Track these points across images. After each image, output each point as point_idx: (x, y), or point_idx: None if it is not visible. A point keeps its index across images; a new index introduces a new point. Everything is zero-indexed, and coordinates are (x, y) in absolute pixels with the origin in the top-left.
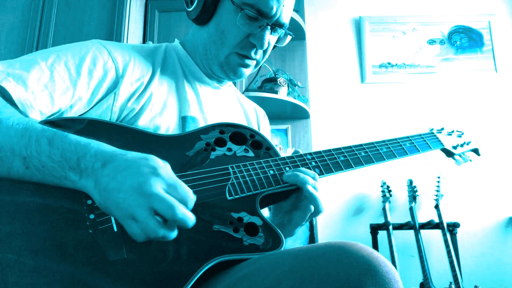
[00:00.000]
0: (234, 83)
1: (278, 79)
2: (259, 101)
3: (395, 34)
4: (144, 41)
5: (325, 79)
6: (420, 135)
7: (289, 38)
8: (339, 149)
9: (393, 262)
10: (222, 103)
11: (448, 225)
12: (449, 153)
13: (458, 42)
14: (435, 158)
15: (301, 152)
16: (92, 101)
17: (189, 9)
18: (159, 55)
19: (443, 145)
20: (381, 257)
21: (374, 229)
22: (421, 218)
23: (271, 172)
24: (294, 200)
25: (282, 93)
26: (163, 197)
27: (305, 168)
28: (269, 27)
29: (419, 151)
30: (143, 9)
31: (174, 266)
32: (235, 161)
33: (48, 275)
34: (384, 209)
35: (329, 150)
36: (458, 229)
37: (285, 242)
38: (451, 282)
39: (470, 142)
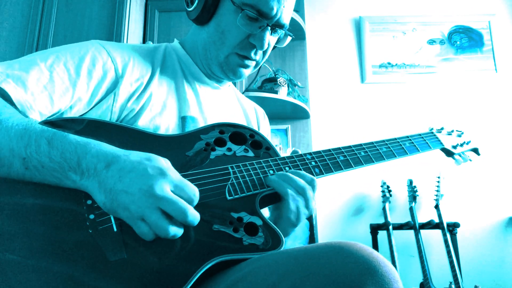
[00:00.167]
0: (234, 83)
1: (278, 79)
2: (259, 101)
3: (395, 34)
4: (144, 41)
5: (325, 79)
6: (419, 134)
7: (289, 39)
8: (339, 149)
9: (393, 262)
10: (222, 103)
11: (448, 225)
12: (448, 153)
13: (458, 42)
14: (435, 158)
15: (300, 152)
16: (91, 102)
17: (189, 9)
18: (158, 55)
19: (443, 145)
20: (381, 257)
21: (374, 229)
22: (421, 218)
23: (271, 172)
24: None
25: (282, 93)
26: (174, 200)
27: (305, 168)
28: (269, 27)
29: (418, 151)
30: (143, 9)
31: (174, 266)
32: (235, 161)
33: (48, 275)
34: (384, 209)
35: (329, 150)
36: (458, 229)
37: (285, 242)
38: (451, 282)
39: (470, 141)
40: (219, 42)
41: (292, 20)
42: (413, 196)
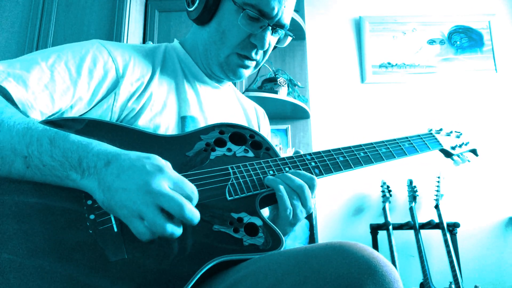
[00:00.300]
0: (234, 84)
1: (278, 79)
2: (259, 101)
3: (395, 34)
4: (144, 41)
5: (325, 79)
6: (419, 135)
7: (289, 39)
8: (339, 149)
9: (393, 262)
10: (222, 103)
11: (448, 225)
12: (447, 154)
13: (458, 42)
14: (435, 158)
15: (302, 152)
16: (92, 101)
17: (190, 9)
18: (158, 55)
19: (442, 146)
20: (381, 257)
21: (374, 229)
22: (421, 218)
23: (271, 172)
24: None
25: (282, 93)
26: (171, 196)
27: (305, 168)
28: (270, 27)
29: (417, 152)
30: (143, 9)
31: (174, 267)
32: (235, 161)
33: (48, 276)
34: (384, 209)
35: (329, 151)
36: (458, 229)
37: (285, 242)
38: (451, 282)
39: (468, 142)
40: (219, 42)
41: (292, 20)
42: (413, 196)
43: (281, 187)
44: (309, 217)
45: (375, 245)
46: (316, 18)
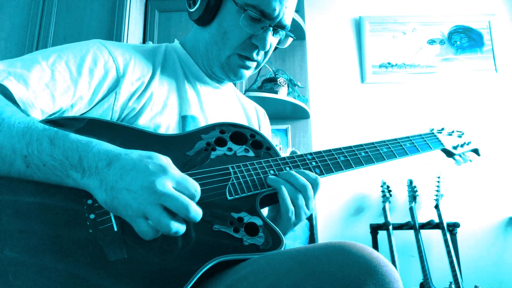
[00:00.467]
0: (234, 84)
1: (278, 79)
2: (259, 101)
3: (395, 34)
4: (144, 41)
5: (325, 79)
6: (420, 135)
7: (290, 40)
8: (340, 149)
9: (393, 262)
10: (223, 103)
11: (448, 225)
12: (449, 154)
13: (458, 42)
14: (435, 158)
15: (298, 152)
16: (93, 101)
17: (191, 9)
18: (159, 55)
19: (443, 146)
20: (381, 257)
21: (374, 229)
22: (421, 218)
23: (271, 172)
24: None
25: (282, 93)
26: (176, 196)
27: (306, 168)
28: (271, 28)
29: (419, 151)
30: (143, 9)
31: (174, 266)
32: (236, 161)
33: (48, 275)
34: (384, 209)
35: (330, 150)
36: (458, 229)
37: (285, 242)
38: (451, 282)
39: (470, 142)
40: (221, 42)
41: (292, 20)
42: (413, 196)
43: (283, 188)
44: (309, 217)
45: (375, 245)
46: (316, 18)
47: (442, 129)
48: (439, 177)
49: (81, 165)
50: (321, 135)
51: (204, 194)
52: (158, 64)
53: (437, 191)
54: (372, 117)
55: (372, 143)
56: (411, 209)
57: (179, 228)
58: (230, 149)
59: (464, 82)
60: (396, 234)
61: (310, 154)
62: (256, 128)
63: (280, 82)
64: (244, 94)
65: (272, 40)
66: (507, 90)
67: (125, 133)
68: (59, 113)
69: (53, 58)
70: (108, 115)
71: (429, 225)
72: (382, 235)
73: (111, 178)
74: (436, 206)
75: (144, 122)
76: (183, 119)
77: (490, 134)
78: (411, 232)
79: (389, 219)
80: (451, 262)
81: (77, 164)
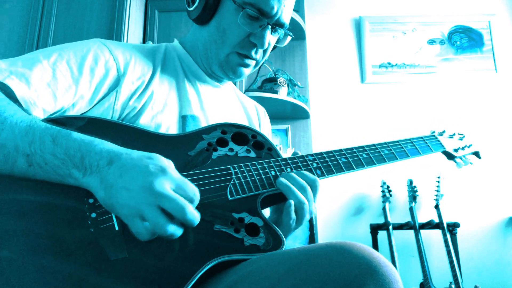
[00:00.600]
0: (234, 83)
1: (278, 79)
2: (259, 101)
3: (395, 34)
4: (144, 41)
5: (325, 79)
6: (421, 137)
7: (289, 38)
8: (341, 150)
9: (393, 262)
10: (223, 102)
11: (448, 225)
12: (450, 156)
13: (458, 42)
14: (435, 159)
15: (299, 153)
16: (94, 100)
17: (190, 8)
18: (159, 54)
19: (444, 148)
20: (381, 257)
21: (374, 229)
22: (421, 218)
23: (273, 173)
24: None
25: (282, 93)
26: (173, 197)
27: (307, 169)
28: (269, 26)
29: (420, 154)
30: (143, 9)
31: (175, 266)
32: (237, 161)
33: (49, 274)
34: (384, 209)
35: (331, 152)
36: (458, 229)
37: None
38: (451, 282)
39: (471, 145)
40: (220, 41)
41: (292, 20)
42: (413, 196)
43: (294, 189)
44: None
45: (375, 245)
46: (316, 18)
47: (443, 131)
48: (439, 177)
49: (82, 164)
50: (321, 135)
51: (205, 194)
52: (158, 63)
53: (437, 191)
54: (372, 117)
55: (373, 145)
56: (411, 209)
57: (175, 230)
58: (231, 150)
59: (464, 82)
60: (396, 234)
61: (311, 155)
62: (256, 126)
63: (280, 82)
64: (244, 94)
65: (270, 38)
66: (507, 90)
67: (126, 133)
68: (60, 112)
69: (54, 57)
70: (108, 114)
71: (429, 225)
72: (382, 235)
73: (111, 176)
74: (436, 206)
75: (145, 121)
76: (184, 118)
77: (490, 134)
78: (411, 232)
79: (389, 219)
80: (451, 262)
81: (79, 162)
